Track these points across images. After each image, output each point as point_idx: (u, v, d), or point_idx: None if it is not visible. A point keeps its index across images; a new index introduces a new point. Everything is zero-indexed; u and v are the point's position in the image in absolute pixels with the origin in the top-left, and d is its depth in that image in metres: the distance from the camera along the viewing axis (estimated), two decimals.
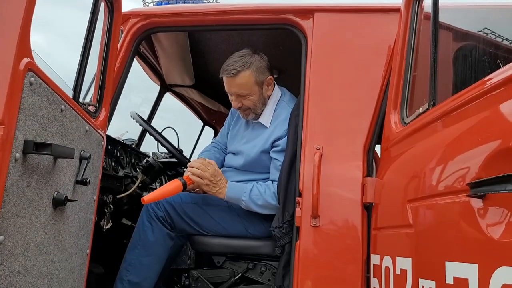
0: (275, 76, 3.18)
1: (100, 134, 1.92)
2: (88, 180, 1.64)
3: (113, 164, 2.47)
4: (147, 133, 3.05)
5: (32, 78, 1.21)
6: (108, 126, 2.23)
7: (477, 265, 1.01)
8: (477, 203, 1.04)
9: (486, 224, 1.00)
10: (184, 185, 2.12)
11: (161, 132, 3.22)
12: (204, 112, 4.07)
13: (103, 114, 1.99)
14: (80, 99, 1.89)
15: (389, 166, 1.72)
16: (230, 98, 2.36)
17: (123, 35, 2.25)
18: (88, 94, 2.18)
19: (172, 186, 2.12)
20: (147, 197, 2.02)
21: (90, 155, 1.69)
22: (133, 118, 2.45)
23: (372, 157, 1.97)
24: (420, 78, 1.74)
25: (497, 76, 1.09)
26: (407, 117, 1.71)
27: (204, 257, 2.58)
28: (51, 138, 1.37)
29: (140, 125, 2.41)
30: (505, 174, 0.90)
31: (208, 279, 2.32)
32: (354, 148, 1.94)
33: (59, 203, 1.46)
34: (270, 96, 2.36)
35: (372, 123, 1.97)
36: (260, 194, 2.17)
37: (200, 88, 3.42)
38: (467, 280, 1.03)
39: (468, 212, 1.06)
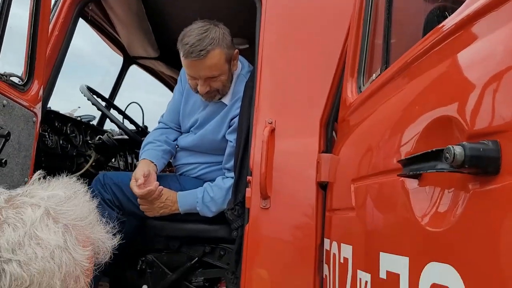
0: (246, 46, 2.96)
1: (30, 110, 1.74)
2: (4, 160, 1.47)
3: (61, 142, 2.29)
4: (112, 109, 2.87)
5: None
6: (48, 101, 2.05)
7: (408, 258, 0.84)
8: (411, 184, 0.87)
9: (420, 210, 0.83)
10: None
11: (126, 107, 3.04)
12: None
13: (35, 87, 1.80)
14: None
15: (345, 140, 1.54)
16: (192, 82, 2.03)
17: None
18: None
19: None
20: None
21: (8, 132, 1.51)
22: (82, 92, 2.26)
23: (331, 131, 1.79)
24: (378, 43, 1.55)
25: (443, 27, 0.90)
26: (363, 85, 1.52)
27: None
28: None
29: (88, 99, 2.21)
30: (434, 149, 0.72)
31: (164, 264, 2.18)
32: (310, 121, 1.76)
33: None
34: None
35: (330, 93, 1.77)
36: (211, 199, 2.01)
37: (166, 61, 3.21)
38: (398, 275, 0.87)
39: (402, 195, 0.88)
